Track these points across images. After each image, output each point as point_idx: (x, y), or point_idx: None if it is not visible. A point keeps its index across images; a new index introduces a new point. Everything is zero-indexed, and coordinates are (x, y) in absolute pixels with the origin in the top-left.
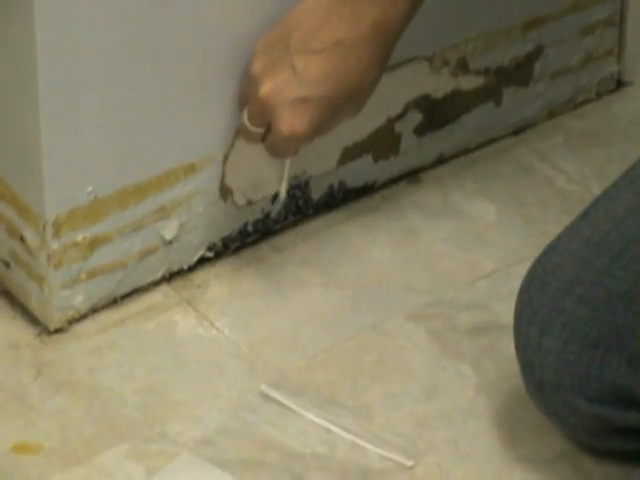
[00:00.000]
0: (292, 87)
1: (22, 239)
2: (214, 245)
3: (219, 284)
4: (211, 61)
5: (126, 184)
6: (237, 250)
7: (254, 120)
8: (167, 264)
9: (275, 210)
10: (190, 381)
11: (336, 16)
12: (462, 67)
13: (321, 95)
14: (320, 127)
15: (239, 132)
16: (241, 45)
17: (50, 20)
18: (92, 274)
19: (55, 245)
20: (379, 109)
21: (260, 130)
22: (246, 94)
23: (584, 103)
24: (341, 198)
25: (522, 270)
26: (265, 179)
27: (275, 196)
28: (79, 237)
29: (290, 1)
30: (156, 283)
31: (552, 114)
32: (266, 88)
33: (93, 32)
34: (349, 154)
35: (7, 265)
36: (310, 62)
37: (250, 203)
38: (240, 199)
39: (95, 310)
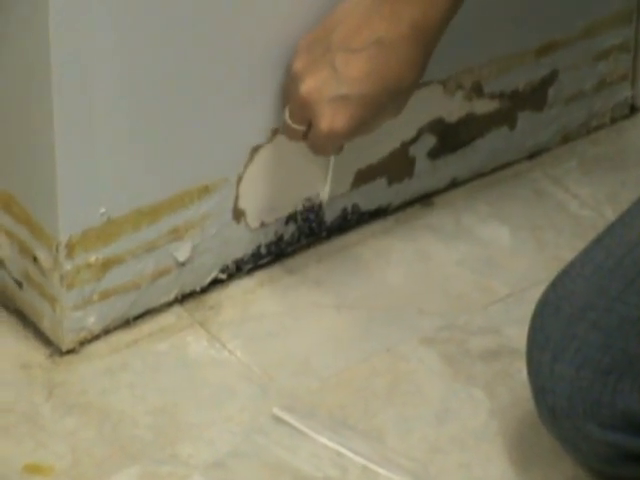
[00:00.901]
0: (332, 85)
1: (35, 259)
2: (227, 267)
3: (232, 306)
4: (227, 82)
5: (139, 205)
6: (250, 272)
7: (295, 117)
8: (180, 285)
9: (288, 232)
10: (202, 403)
11: (376, 15)
12: (476, 91)
13: (361, 93)
14: (360, 125)
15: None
16: (259, 67)
17: (66, 40)
18: (105, 295)
19: (68, 266)
20: (393, 132)
21: (302, 128)
22: (288, 92)
23: (598, 128)
24: (355, 221)
25: (535, 295)
26: (279, 201)
27: (288, 218)
28: (92, 258)
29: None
30: (169, 304)
31: (566, 139)
32: (307, 86)
33: (109, 54)
34: (363, 177)
35: (20, 285)
36: (350, 61)
37: (263, 225)
38: (253, 221)
39: (107, 331)
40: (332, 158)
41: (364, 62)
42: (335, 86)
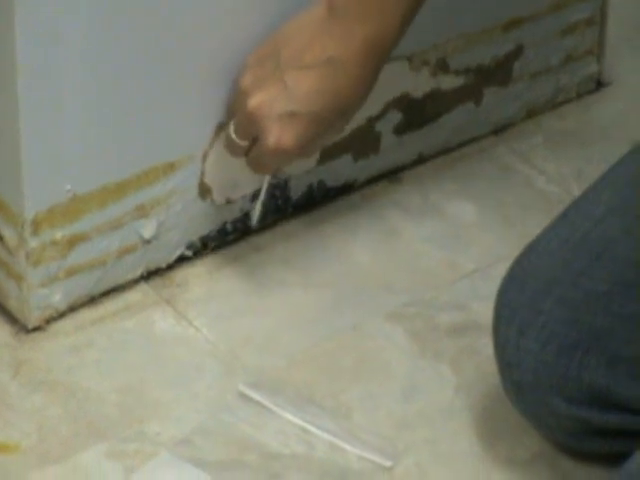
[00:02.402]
0: (282, 101)
1: (0, 237)
2: (193, 244)
3: (198, 283)
4: (191, 61)
5: (105, 182)
6: (216, 249)
7: (240, 133)
8: (146, 263)
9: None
10: (168, 381)
11: (327, 34)
12: (442, 67)
13: (310, 111)
14: (307, 143)
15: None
16: (223, 46)
17: (31, 14)
18: (70, 272)
19: (34, 243)
20: None
21: (245, 143)
22: (234, 106)
23: (564, 103)
24: (321, 197)
25: (501, 270)
26: (244, 178)
27: (254, 196)
28: (58, 235)
29: (278, 13)
30: (135, 282)
31: (532, 114)
32: (255, 101)
33: (75, 29)
34: (329, 153)
35: None
36: (301, 78)
37: (229, 202)
38: (219, 198)
39: (73, 309)
40: (267, 179)
41: (314, 79)
42: (285, 102)
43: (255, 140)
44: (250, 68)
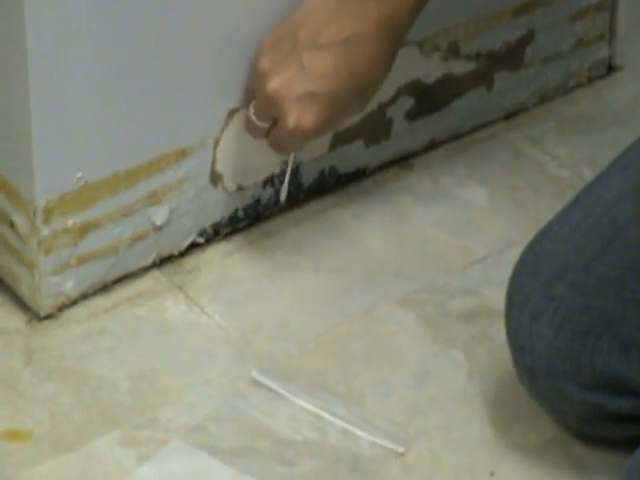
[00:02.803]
0: (300, 82)
1: (12, 225)
2: (205, 231)
3: (210, 270)
4: (202, 47)
5: (116, 169)
6: (228, 236)
7: (260, 115)
8: (158, 250)
9: (265, 196)
10: (181, 367)
11: (343, 13)
12: (453, 52)
13: (328, 90)
14: (327, 122)
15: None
16: (234, 31)
17: (41, 6)
18: (82, 260)
19: (45, 231)
20: None
21: (265, 125)
22: (253, 89)
23: (575, 88)
24: (332, 183)
25: (514, 256)
26: (256, 165)
27: (265, 182)
28: (69, 223)
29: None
30: (147, 269)
31: (543, 99)
32: (274, 83)
33: (85, 18)
34: (340, 139)
35: None
36: (318, 58)
37: (240, 189)
38: (231, 185)
39: (85, 296)
40: (292, 157)
41: (332, 59)
42: (302, 83)
43: (275, 122)
44: (267, 50)
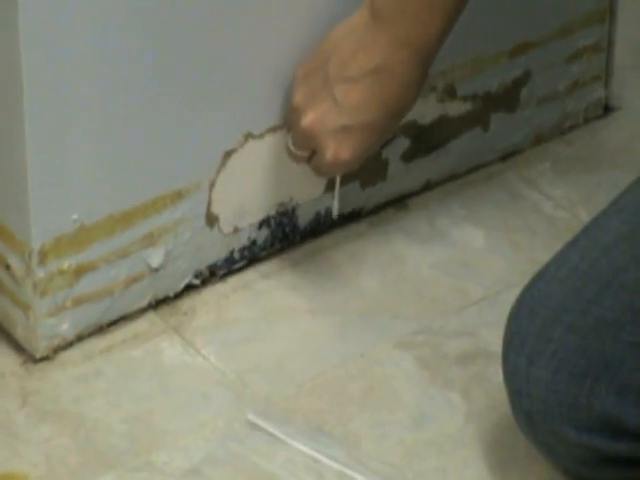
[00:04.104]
0: (333, 116)
1: (7, 267)
2: (201, 272)
3: (206, 311)
4: (197, 89)
5: (112, 211)
6: (224, 277)
7: (298, 146)
8: (153, 291)
9: (261, 237)
10: (177, 410)
11: (371, 41)
12: (449, 93)
13: (363, 122)
14: (364, 151)
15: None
16: (229, 74)
17: (37, 45)
18: (78, 302)
19: (41, 273)
20: None
21: (304, 154)
22: (290, 122)
23: (572, 129)
24: (328, 225)
25: (510, 297)
26: (252, 206)
27: (261, 223)
28: (65, 265)
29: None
30: (142, 310)
31: (540, 140)
32: (308, 119)
33: (80, 59)
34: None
35: None
36: (349, 90)
37: (236, 230)
38: (226, 226)
39: (81, 338)
40: (338, 178)
41: (363, 90)
42: (337, 117)
43: (314, 151)
44: (299, 84)
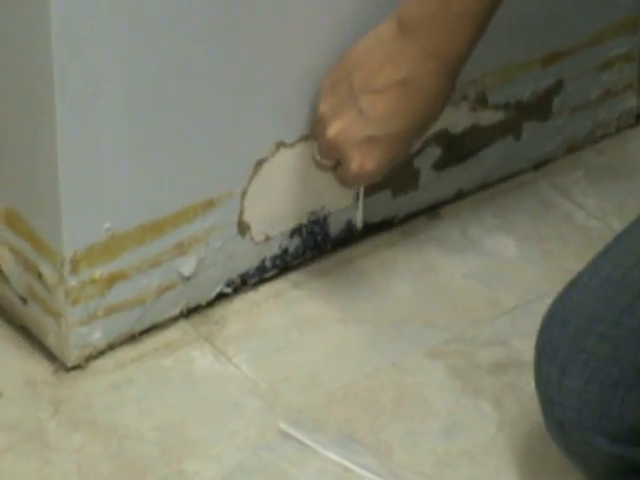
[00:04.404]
0: (359, 127)
1: (39, 275)
2: (232, 281)
3: (237, 320)
4: (228, 98)
5: (144, 220)
6: (255, 286)
7: (324, 156)
8: (185, 300)
9: (293, 246)
10: (208, 418)
11: (399, 53)
12: (481, 102)
13: (389, 133)
14: (389, 163)
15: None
16: (263, 83)
17: (69, 55)
18: (110, 310)
19: (73, 282)
20: None
21: (330, 163)
22: (315, 131)
23: (604, 138)
24: (359, 233)
25: (542, 306)
26: (284, 214)
27: (293, 232)
28: (97, 274)
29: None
30: (174, 319)
31: (572, 149)
32: (333, 129)
33: (113, 69)
34: (368, 189)
35: (24, 301)
36: (375, 101)
37: (268, 239)
38: (258, 235)
39: (113, 347)
40: (361, 188)
41: (390, 102)
42: (362, 128)
43: (339, 162)
44: (326, 94)
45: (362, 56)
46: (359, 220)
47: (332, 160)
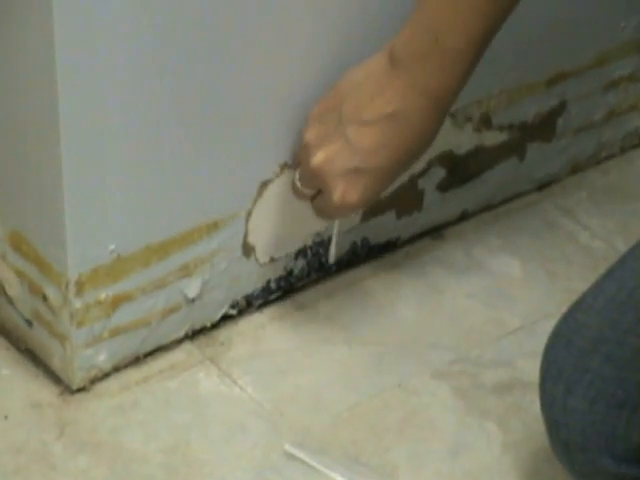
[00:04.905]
0: (344, 157)
1: (44, 298)
2: (237, 302)
3: (242, 342)
4: (232, 119)
5: (149, 242)
6: (260, 307)
7: (305, 183)
8: (190, 322)
9: (298, 267)
10: (213, 440)
11: (389, 87)
12: (485, 123)
13: (375, 166)
14: (373, 196)
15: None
16: (264, 104)
17: (74, 78)
18: (115, 333)
19: (78, 304)
20: None
21: (310, 192)
22: (299, 158)
23: (608, 158)
24: (364, 255)
25: (547, 327)
26: (288, 236)
27: (298, 253)
28: (102, 296)
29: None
30: (179, 341)
31: (576, 169)
32: (318, 158)
33: (117, 91)
34: (372, 211)
35: (29, 324)
36: (363, 133)
37: (273, 260)
38: (263, 256)
39: (118, 369)
40: (337, 222)
41: (377, 135)
42: (349, 158)
43: (320, 191)
44: (313, 123)
45: (353, 87)
46: (332, 255)
47: (313, 189)
